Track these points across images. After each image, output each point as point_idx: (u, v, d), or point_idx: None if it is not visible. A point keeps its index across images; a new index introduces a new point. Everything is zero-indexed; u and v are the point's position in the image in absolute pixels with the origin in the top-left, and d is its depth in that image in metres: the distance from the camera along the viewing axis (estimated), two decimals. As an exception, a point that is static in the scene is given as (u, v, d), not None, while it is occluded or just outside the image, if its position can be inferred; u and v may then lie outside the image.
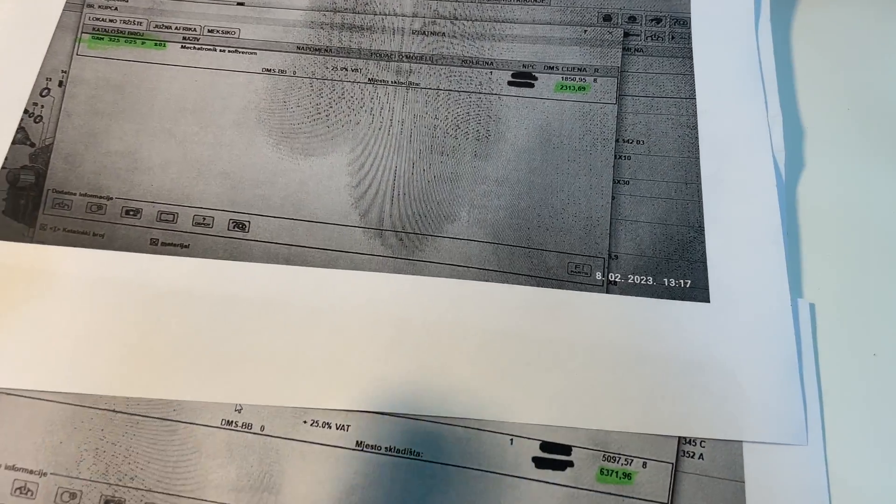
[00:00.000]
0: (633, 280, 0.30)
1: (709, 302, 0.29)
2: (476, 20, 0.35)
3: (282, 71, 0.34)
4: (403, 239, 0.30)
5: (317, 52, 0.34)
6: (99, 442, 0.26)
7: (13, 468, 0.26)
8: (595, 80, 0.34)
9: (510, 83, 0.34)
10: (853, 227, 0.32)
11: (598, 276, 0.30)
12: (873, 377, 0.29)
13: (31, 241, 0.29)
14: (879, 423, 0.28)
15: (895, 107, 0.35)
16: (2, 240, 0.29)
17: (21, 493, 0.25)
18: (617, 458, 0.27)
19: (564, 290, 0.30)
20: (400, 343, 0.28)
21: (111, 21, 0.34)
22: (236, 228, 0.30)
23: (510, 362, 0.28)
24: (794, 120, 0.34)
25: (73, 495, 0.26)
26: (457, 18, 0.35)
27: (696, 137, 0.33)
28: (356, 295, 0.29)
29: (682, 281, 0.30)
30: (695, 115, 0.33)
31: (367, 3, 0.35)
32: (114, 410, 0.27)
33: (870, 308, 0.30)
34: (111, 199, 0.31)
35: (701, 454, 0.27)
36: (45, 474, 0.26)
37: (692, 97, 0.33)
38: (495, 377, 0.28)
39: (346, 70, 0.34)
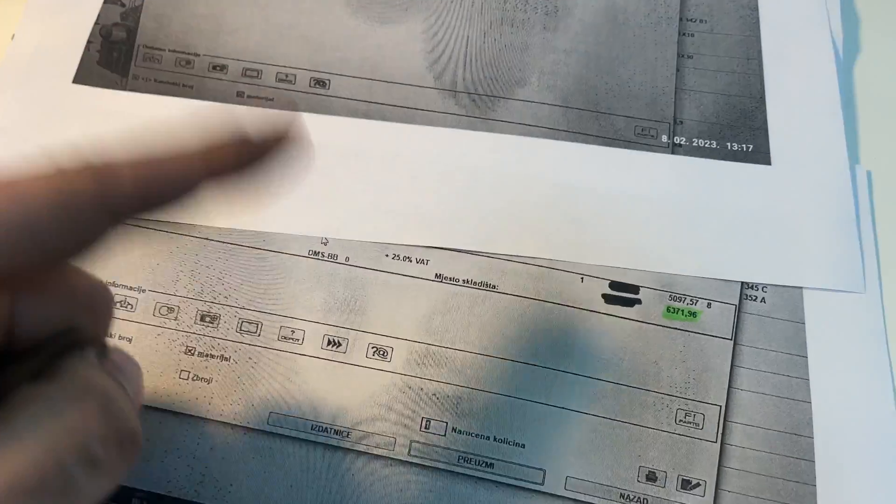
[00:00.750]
0: (698, 143, 0.31)
1: (770, 165, 0.31)
2: None
3: (357, -52, 0.35)
4: (476, 100, 0.32)
5: (390, -67, 0.35)
6: (194, 265, 0.28)
7: (114, 284, 0.27)
8: (659, -36, 0.35)
9: (577, -36, 0.35)
10: (909, 105, 0.33)
11: (664, 138, 0.31)
12: (928, 237, 0.30)
13: (125, 90, 0.31)
14: (934, 277, 0.29)
15: (950, -2, 0.36)
16: (98, 87, 0.31)
17: (121, 306, 0.27)
18: (683, 298, 0.28)
19: (632, 150, 0.31)
20: (474, 189, 0.29)
21: None
22: (317, 85, 0.32)
23: (580, 210, 0.29)
24: (851, 7, 0.35)
25: (170, 309, 0.27)
26: None
27: (758, 18, 0.34)
28: (432, 147, 0.30)
29: (744, 145, 0.31)
30: (756, -3, 0.34)
31: None
32: (207, 238, 0.28)
33: (925, 175, 0.31)
34: (198, 55, 0.32)
35: (763, 298, 0.28)
36: (143, 290, 0.27)
37: (753, -19, 0.34)
38: (566, 222, 0.29)
39: (419, -51, 0.35)
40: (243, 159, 0.16)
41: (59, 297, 0.16)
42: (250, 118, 0.17)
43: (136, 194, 0.15)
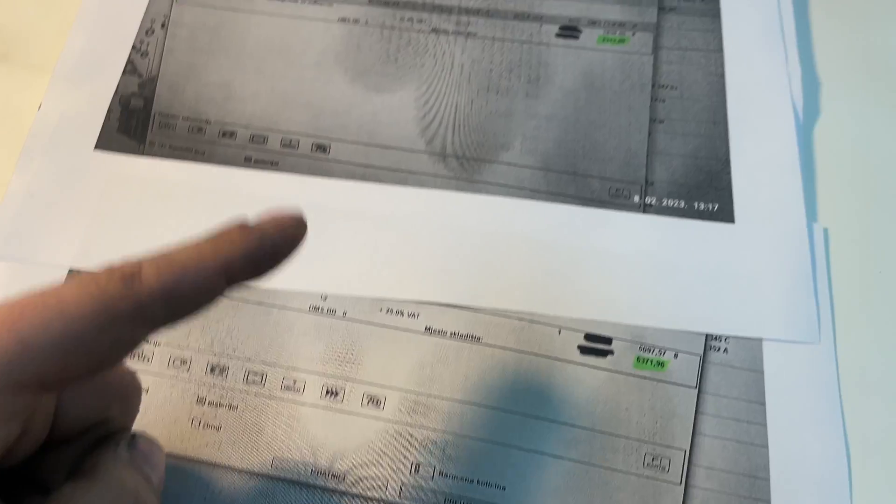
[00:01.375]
0: (667, 203, 0.34)
1: (734, 223, 0.33)
2: (527, -19, 0.39)
3: (355, 20, 0.38)
4: (464, 163, 0.35)
5: (386, 6, 0.39)
6: (205, 320, 0.30)
7: (132, 339, 0.30)
8: (633, 34, 0.38)
9: (557, 35, 0.38)
10: (863, 164, 0.36)
11: (636, 198, 0.34)
12: (878, 290, 0.33)
13: (142, 155, 0.34)
14: (883, 328, 0.32)
15: (903, 64, 0.38)
16: (117, 152, 0.34)
17: (139, 358, 0.30)
18: (652, 349, 0.31)
19: (606, 210, 0.34)
20: (462, 247, 0.32)
21: (205, -26, 0.39)
22: (319, 150, 0.35)
23: (558, 266, 0.32)
24: (811, 72, 0.38)
25: (183, 361, 0.30)
26: (510, -21, 0.39)
27: (724, 84, 0.37)
28: (422, 207, 0.33)
29: (710, 205, 0.34)
30: (723, 65, 0.37)
31: (429, -36, 0.40)
32: (217, 295, 0.31)
33: (876, 232, 0.34)
34: (210, 122, 0.35)
35: (725, 348, 0.31)
36: (158, 344, 0.30)
37: (720, 50, 0.37)
38: (545, 278, 0.32)
39: (412, 21, 0.38)
40: (259, 262, 0.18)
41: (96, 391, 0.18)
42: (261, 216, 0.19)
43: (163, 296, 0.17)
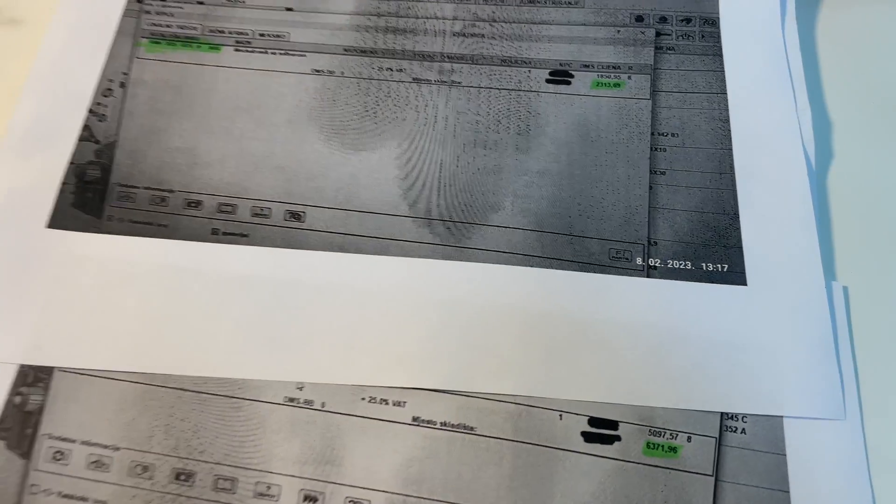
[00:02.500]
0: (673, 265, 0.31)
1: (746, 285, 0.31)
2: (514, 22, 0.37)
3: (330, 71, 0.35)
4: (451, 228, 0.32)
5: (363, 54, 0.36)
6: (169, 419, 0.28)
7: (88, 443, 0.27)
8: (629, 78, 0.35)
9: (548, 81, 0.35)
10: (883, 213, 0.33)
11: (639, 261, 0.31)
12: (907, 355, 0.30)
13: (99, 232, 0.31)
14: (915, 399, 0.29)
15: (919, 100, 0.36)
16: (72, 230, 0.31)
17: (96, 466, 0.27)
18: (662, 433, 0.28)
19: (606, 275, 0.31)
20: (450, 324, 0.29)
21: (168, 26, 0.36)
22: (292, 219, 0.32)
23: (557, 342, 0.29)
24: (822, 113, 0.36)
25: (145, 468, 0.27)
26: (495, 21, 0.37)
27: (729, 130, 0.34)
28: (407, 280, 0.30)
29: (719, 265, 0.31)
30: (727, 108, 0.34)
31: (409, 7, 0.37)
32: (182, 389, 0.28)
33: (902, 290, 0.31)
34: (173, 191, 0.32)
35: (743, 429, 0.28)
36: (118, 449, 0.27)
37: (723, 92, 0.35)
38: (543, 356, 0.29)
39: (392, 70, 0.35)
40: None
41: None
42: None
43: None
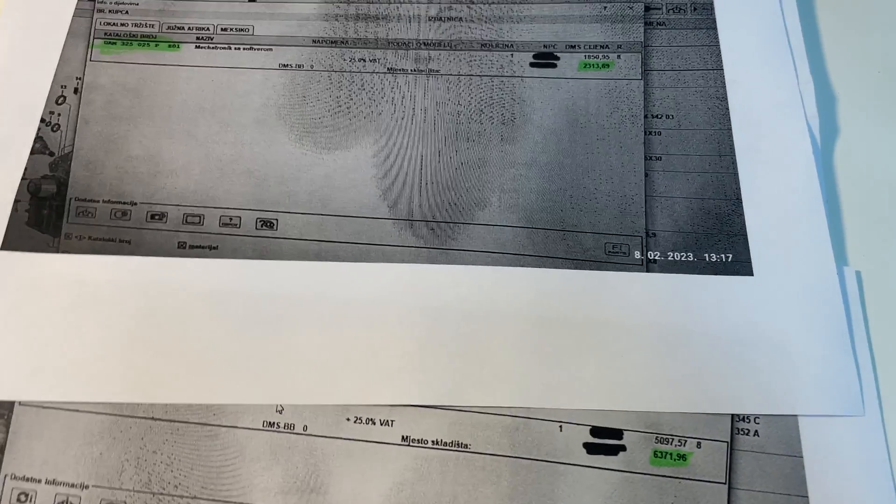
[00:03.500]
0: (673, 257, 0.29)
1: (752, 275, 0.29)
2: (493, 2, 0.34)
3: (299, 66, 0.33)
4: (435, 228, 0.30)
5: (333, 45, 0.34)
6: (140, 451, 0.26)
7: (54, 482, 0.25)
8: (619, 57, 0.33)
9: (532, 65, 0.33)
10: (892, 191, 0.31)
11: (637, 254, 0.29)
12: (927, 343, 0.28)
13: (57, 251, 0.29)
14: (937, 390, 0.27)
15: (928, 66, 0.34)
16: (27, 251, 0.29)
17: (64, 507, 0.25)
18: (670, 440, 0.26)
19: (604, 272, 0.29)
20: (439, 334, 0.27)
21: (122, 25, 0.34)
22: (264, 227, 0.30)
23: (554, 347, 0.27)
24: (825, 86, 0.33)
25: (117, 506, 0.25)
26: (473, 2, 0.34)
27: (727, 109, 0.32)
28: (390, 287, 0.28)
29: (723, 255, 0.29)
30: (724, 86, 0.32)
31: (380, -8, 0.35)
32: (153, 418, 0.26)
33: (918, 272, 0.30)
34: (135, 204, 0.30)
35: (756, 431, 0.26)
36: (86, 487, 0.25)
37: (720, 68, 0.33)
38: (539, 363, 0.27)
39: (364, 61, 0.33)
40: None
41: None
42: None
43: None
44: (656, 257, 0.29)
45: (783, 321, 0.28)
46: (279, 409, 0.26)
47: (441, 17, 0.34)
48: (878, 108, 0.33)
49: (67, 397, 0.26)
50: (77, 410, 0.26)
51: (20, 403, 0.26)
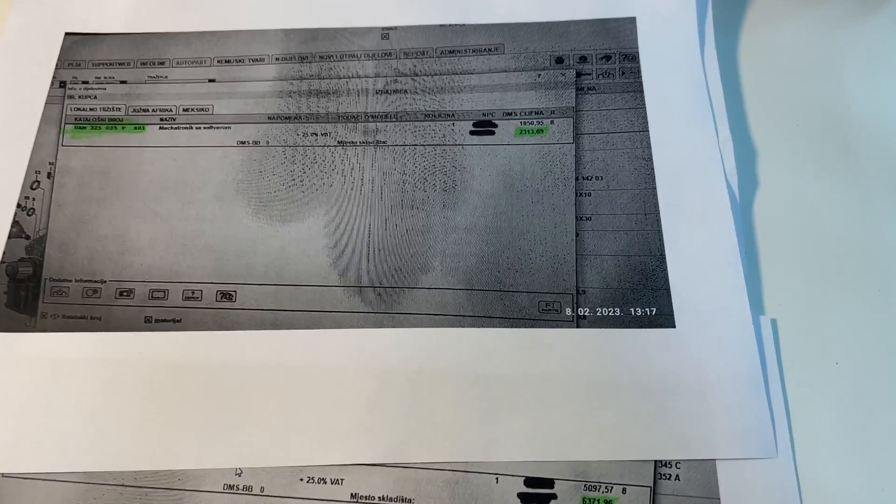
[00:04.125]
0: (602, 313, 0.32)
1: (675, 327, 0.31)
2: (435, 74, 0.37)
3: (255, 142, 0.36)
4: (381, 294, 0.32)
5: (287, 121, 0.36)
6: (110, 516, 0.28)
7: (33, 549, 0.28)
8: (552, 122, 0.36)
9: (472, 132, 0.36)
10: (809, 241, 0.34)
11: (568, 311, 0.32)
12: (837, 385, 0.30)
13: (34, 331, 0.31)
14: (846, 430, 0.30)
15: (841, 119, 0.36)
16: (5, 332, 0.31)
17: (43, 571, 0.27)
18: (598, 487, 0.28)
19: (537, 329, 0.31)
20: (386, 395, 0.30)
21: (91, 110, 0.36)
22: (224, 299, 0.32)
23: (491, 403, 0.30)
24: (746, 140, 0.36)
25: (91, 569, 0.27)
26: (417, 75, 0.37)
27: (652, 168, 0.34)
28: (340, 352, 0.31)
29: (647, 309, 0.32)
30: (649, 146, 0.35)
31: (331, 68, 0.37)
32: (123, 485, 0.28)
33: (829, 318, 0.32)
34: (105, 282, 0.32)
35: (677, 475, 0.29)
36: (63, 552, 0.28)
37: (645, 129, 0.35)
38: (478, 419, 0.29)
39: (317, 135, 0.36)
40: None
41: None
42: None
43: None
44: (586, 313, 0.32)
45: (703, 370, 0.30)
46: (238, 472, 0.29)
47: (387, 90, 0.37)
48: (796, 162, 0.35)
49: (46, 468, 0.29)
50: (55, 480, 0.29)
51: (3, 475, 0.29)
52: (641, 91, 0.36)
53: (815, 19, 0.39)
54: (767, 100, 0.37)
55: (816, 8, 0.39)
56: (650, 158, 0.34)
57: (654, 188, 0.34)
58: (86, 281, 0.32)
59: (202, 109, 0.36)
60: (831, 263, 0.33)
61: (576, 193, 0.34)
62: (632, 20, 0.38)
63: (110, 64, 0.37)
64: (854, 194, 0.34)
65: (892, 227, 0.33)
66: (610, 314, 0.32)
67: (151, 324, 0.32)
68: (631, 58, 0.37)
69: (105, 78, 0.37)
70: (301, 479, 0.29)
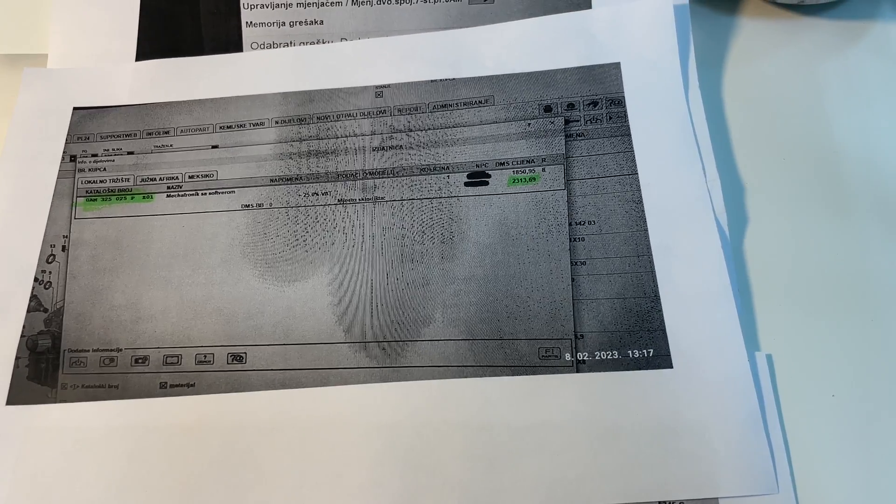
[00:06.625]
0: (600, 356, 0.32)
1: (672, 368, 0.32)
2: (429, 129, 0.38)
3: (259, 204, 0.37)
4: (385, 348, 0.33)
5: (289, 182, 0.38)
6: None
7: None
8: (544, 170, 0.37)
9: (466, 184, 0.37)
10: (800, 274, 0.34)
11: (568, 356, 0.33)
12: (834, 417, 0.31)
13: (55, 402, 0.33)
14: (845, 462, 0.30)
15: (827, 151, 0.37)
16: (29, 404, 0.33)
17: None
18: (604, 530, 0.29)
19: (538, 376, 0.32)
20: (393, 449, 0.31)
21: (101, 182, 0.38)
22: (235, 361, 0.33)
23: (497, 452, 0.31)
24: (734, 177, 0.37)
25: None
26: (411, 130, 0.38)
27: (643, 210, 0.35)
28: (348, 408, 0.32)
29: (645, 351, 0.32)
30: (639, 189, 0.36)
31: (328, 128, 0.39)
32: (145, 549, 0.30)
33: (824, 350, 0.33)
34: (120, 350, 0.34)
35: (681, 515, 0.29)
36: None
37: (634, 172, 0.36)
38: (485, 469, 0.30)
39: (318, 195, 0.37)
40: None
41: None
42: None
43: None
44: (585, 358, 0.32)
45: (701, 409, 0.31)
46: (255, 531, 0.30)
47: (383, 147, 0.38)
48: (784, 194, 0.36)
49: (71, 536, 0.30)
50: (79, 547, 0.30)
51: (30, 545, 0.30)
52: (629, 135, 0.37)
53: (795, 54, 0.40)
54: (753, 136, 0.38)
55: (797, 43, 0.40)
56: (640, 201, 0.35)
57: (646, 230, 0.35)
58: (102, 350, 0.34)
59: (207, 175, 0.38)
60: (823, 296, 0.34)
61: (570, 239, 0.35)
62: (616, 65, 0.39)
63: (117, 136, 0.39)
64: (843, 225, 0.35)
65: (881, 256, 0.34)
66: (608, 357, 0.32)
67: (167, 389, 0.33)
68: (617, 102, 0.38)
69: (113, 150, 0.39)
70: (316, 536, 0.29)
